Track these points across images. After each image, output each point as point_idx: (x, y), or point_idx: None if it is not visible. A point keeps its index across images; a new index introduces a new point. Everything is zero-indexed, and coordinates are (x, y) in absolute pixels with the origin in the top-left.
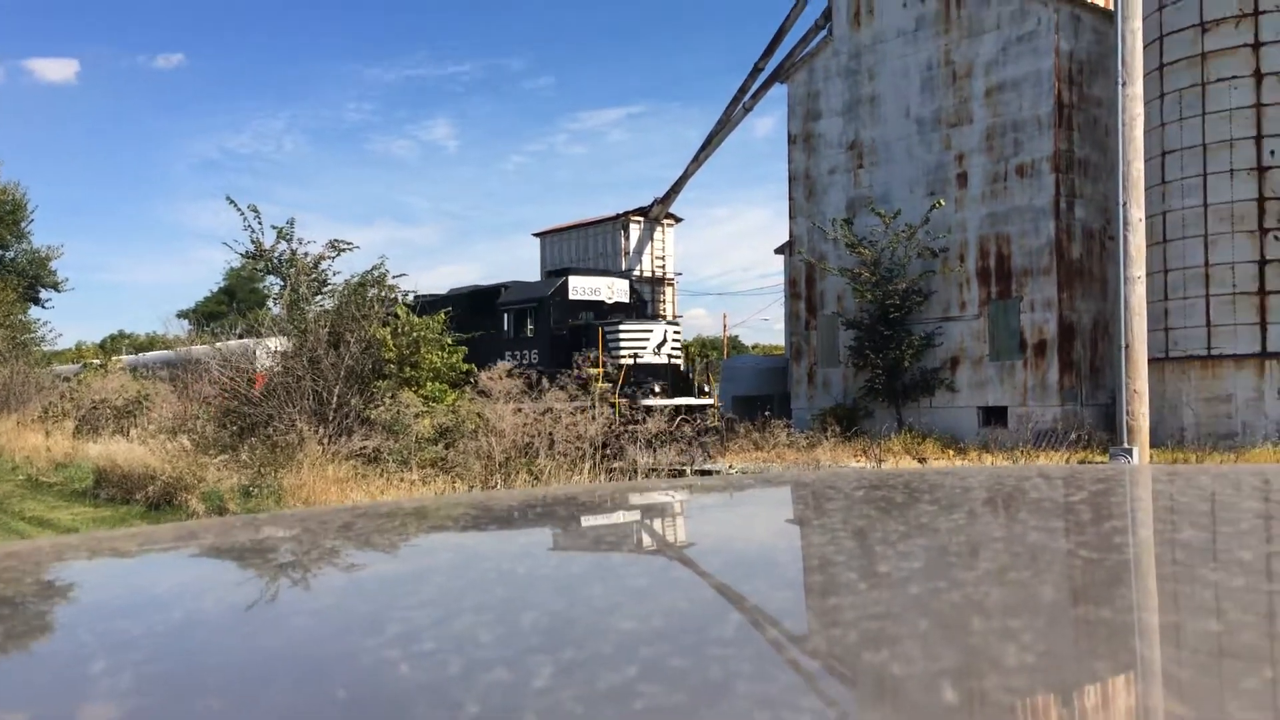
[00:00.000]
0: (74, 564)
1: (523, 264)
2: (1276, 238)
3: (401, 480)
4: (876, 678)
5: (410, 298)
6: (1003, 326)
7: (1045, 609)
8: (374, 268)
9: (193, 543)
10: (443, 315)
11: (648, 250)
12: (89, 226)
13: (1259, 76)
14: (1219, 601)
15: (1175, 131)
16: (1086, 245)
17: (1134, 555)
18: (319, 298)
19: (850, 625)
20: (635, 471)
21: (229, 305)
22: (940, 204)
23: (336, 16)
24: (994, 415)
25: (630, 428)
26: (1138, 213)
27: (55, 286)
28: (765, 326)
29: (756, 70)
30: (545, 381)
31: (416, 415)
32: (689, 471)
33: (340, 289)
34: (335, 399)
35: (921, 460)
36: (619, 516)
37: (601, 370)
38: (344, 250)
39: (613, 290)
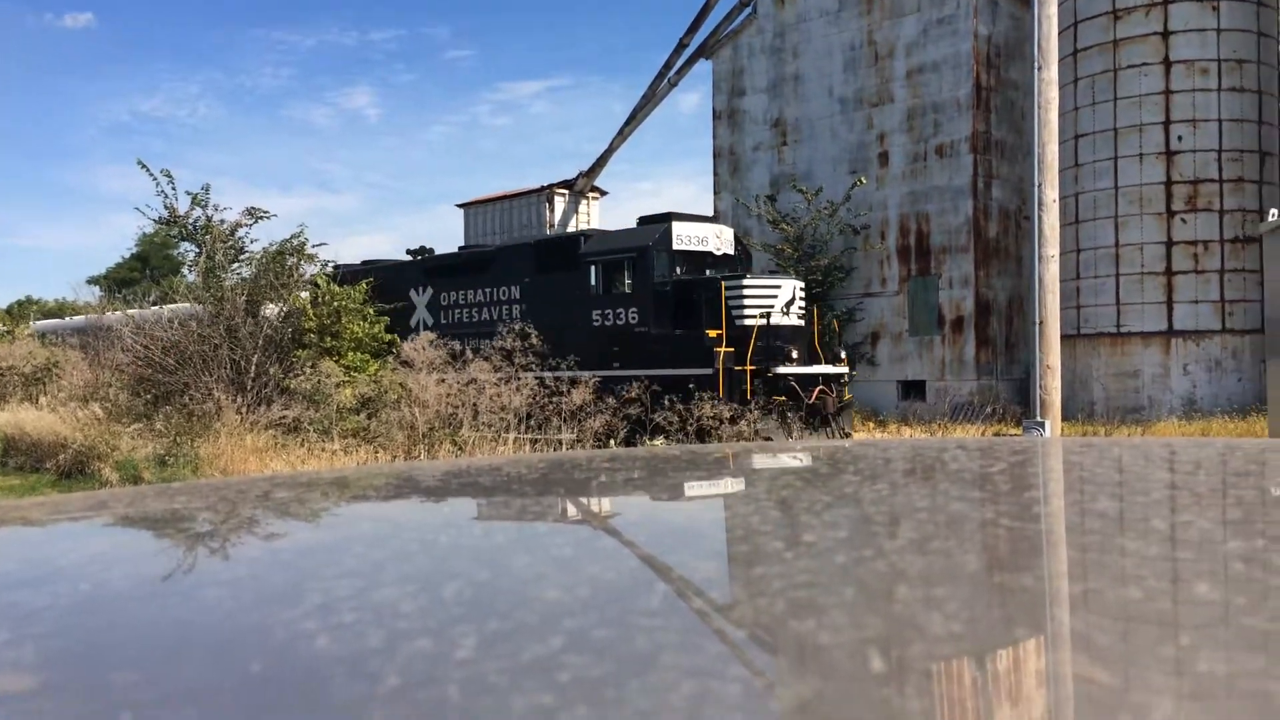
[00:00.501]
0: None
1: (446, 234)
2: (1183, 220)
3: (323, 450)
4: (804, 646)
5: (446, 250)
6: (922, 303)
7: (967, 577)
8: (293, 236)
9: (103, 512)
10: (363, 286)
11: (573, 223)
12: None
13: (1168, 64)
14: (1134, 569)
15: (1088, 116)
16: (1003, 225)
17: (1049, 525)
18: (236, 266)
19: (777, 594)
20: (560, 444)
21: (142, 272)
22: (862, 182)
23: None
24: (913, 389)
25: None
26: (1052, 194)
27: None
28: None
29: (681, 46)
30: (654, 347)
31: (338, 385)
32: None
33: (258, 257)
34: (254, 368)
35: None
36: (543, 487)
37: (723, 334)
38: (262, 218)
39: (720, 239)
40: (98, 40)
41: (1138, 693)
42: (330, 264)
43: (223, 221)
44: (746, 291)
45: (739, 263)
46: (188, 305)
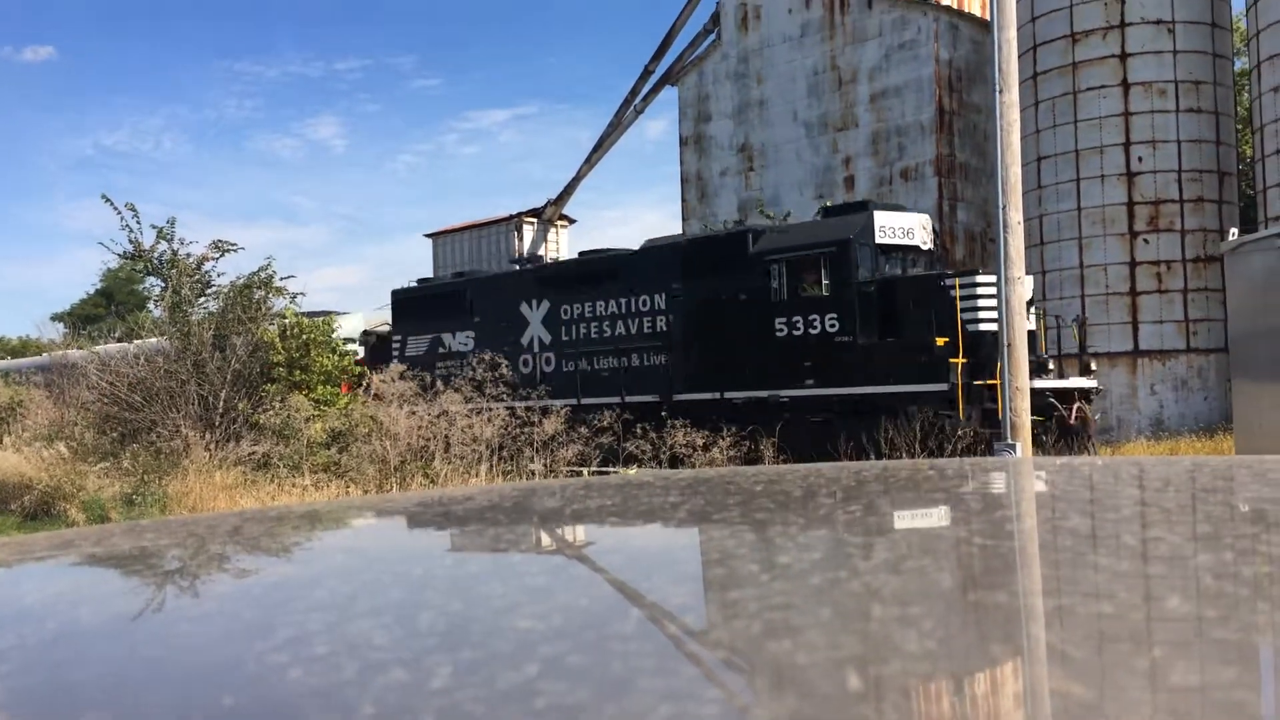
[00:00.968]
0: None
1: (414, 265)
2: (1145, 240)
3: (293, 486)
4: (780, 667)
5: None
6: None
7: (942, 595)
8: (261, 269)
9: (69, 551)
10: (341, 342)
11: (541, 251)
12: None
13: (1126, 86)
14: (1107, 584)
15: (1050, 138)
16: (969, 247)
17: (1023, 542)
18: (202, 300)
19: (753, 617)
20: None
21: (107, 308)
22: (828, 206)
23: (216, 11)
24: None
25: None
26: (1016, 216)
27: None
28: None
29: (647, 73)
30: (861, 359)
31: (307, 419)
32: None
33: (225, 290)
34: (222, 403)
35: None
36: (516, 517)
37: (959, 342)
38: (228, 251)
39: (925, 230)
40: (59, 74)
41: (1113, 705)
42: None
43: (189, 255)
44: (981, 290)
45: (937, 258)
46: (154, 340)
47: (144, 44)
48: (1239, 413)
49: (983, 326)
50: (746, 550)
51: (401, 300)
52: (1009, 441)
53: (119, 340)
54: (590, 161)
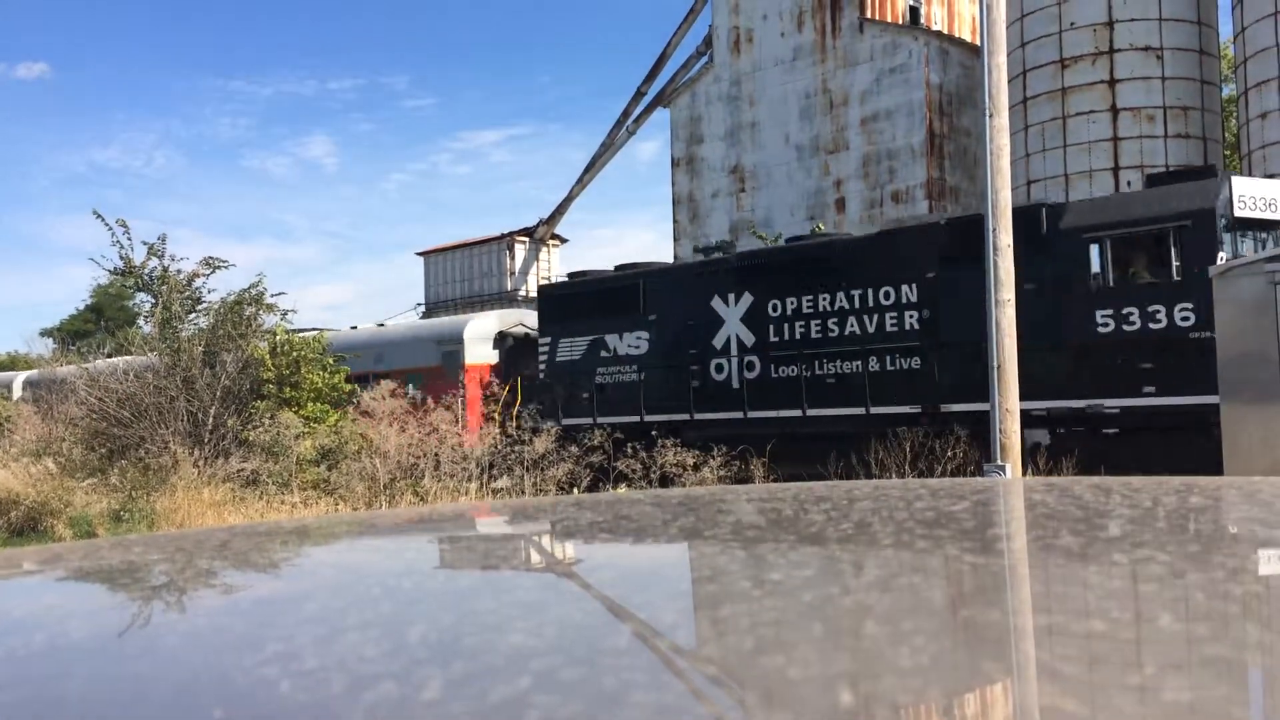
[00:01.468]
0: None
1: (405, 283)
2: None
3: (282, 503)
4: (772, 682)
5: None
6: None
7: (933, 613)
8: (251, 286)
9: (58, 565)
10: (327, 357)
11: (533, 271)
12: None
13: (1115, 111)
14: (1098, 602)
15: (1039, 162)
16: None
17: (1013, 560)
18: (193, 316)
19: (745, 633)
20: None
21: (97, 323)
22: (820, 228)
23: (210, 30)
24: None
25: None
26: (1006, 239)
27: None
28: None
29: (639, 94)
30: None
31: (297, 436)
32: None
33: (216, 307)
34: (211, 420)
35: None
36: (507, 532)
37: None
38: (219, 268)
39: None
40: (52, 91)
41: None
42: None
43: (179, 272)
44: None
45: None
46: (144, 358)
47: (137, 61)
48: (1228, 437)
49: None
50: (738, 567)
51: (552, 297)
52: (999, 463)
53: (109, 356)
54: (582, 182)
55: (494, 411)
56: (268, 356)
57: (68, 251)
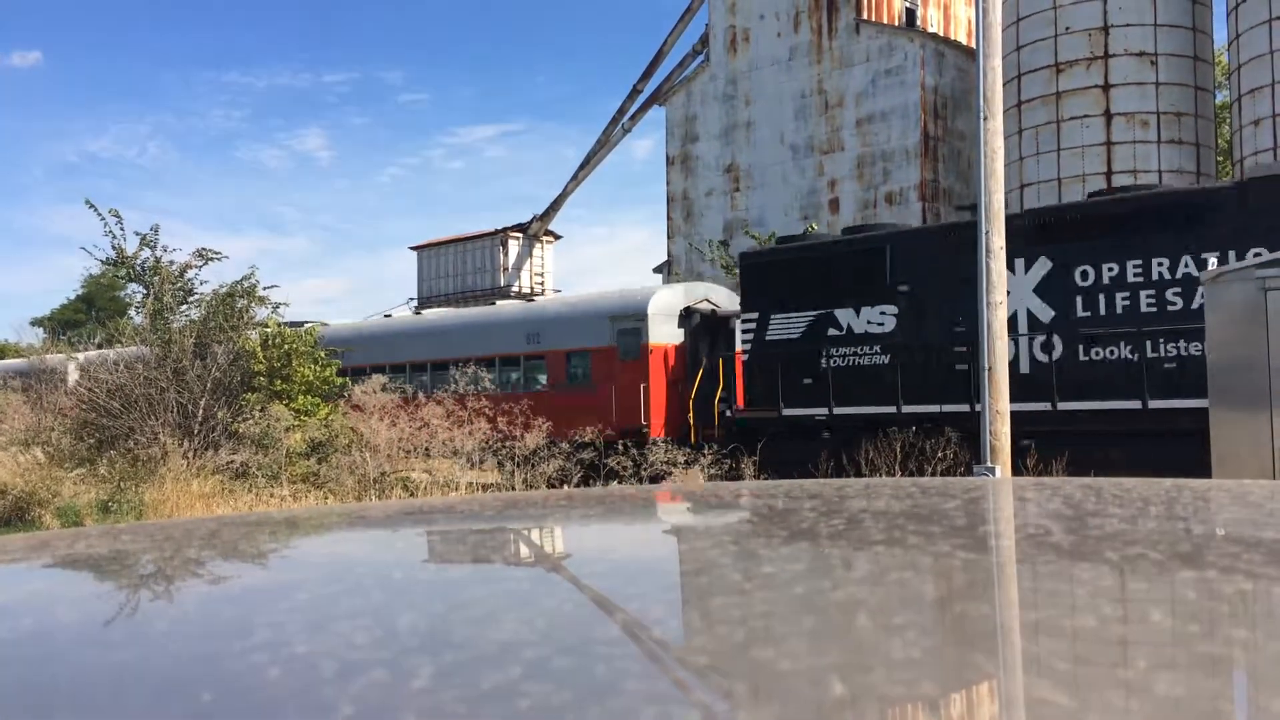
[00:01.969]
0: None
1: (398, 277)
2: None
3: (271, 495)
4: (764, 673)
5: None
6: None
7: (923, 608)
8: (244, 278)
9: (45, 552)
10: (311, 335)
11: (527, 267)
12: None
13: (1108, 116)
14: (1089, 598)
15: (1033, 165)
16: None
17: (1003, 558)
18: (184, 307)
19: (737, 624)
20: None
21: (88, 313)
22: (813, 228)
23: (205, 22)
24: None
25: None
26: (999, 241)
27: None
28: None
29: (635, 92)
30: None
31: (287, 429)
32: None
33: (208, 299)
34: (201, 411)
35: None
36: (498, 524)
37: None
38: (212, 259)
39: None
40: (46, 80)
41: (1094, 717)
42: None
43: (171, 263)
44: None
45: None
46: (134, 349)
47: (132, 52)
48: (1217, 443)
49: None
50: (730, 560)
51: (760, 265)
52: (988, 465)
53: (99, 347)
54: (577, 179)
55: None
56: (259, 349)
57: (59, 241)
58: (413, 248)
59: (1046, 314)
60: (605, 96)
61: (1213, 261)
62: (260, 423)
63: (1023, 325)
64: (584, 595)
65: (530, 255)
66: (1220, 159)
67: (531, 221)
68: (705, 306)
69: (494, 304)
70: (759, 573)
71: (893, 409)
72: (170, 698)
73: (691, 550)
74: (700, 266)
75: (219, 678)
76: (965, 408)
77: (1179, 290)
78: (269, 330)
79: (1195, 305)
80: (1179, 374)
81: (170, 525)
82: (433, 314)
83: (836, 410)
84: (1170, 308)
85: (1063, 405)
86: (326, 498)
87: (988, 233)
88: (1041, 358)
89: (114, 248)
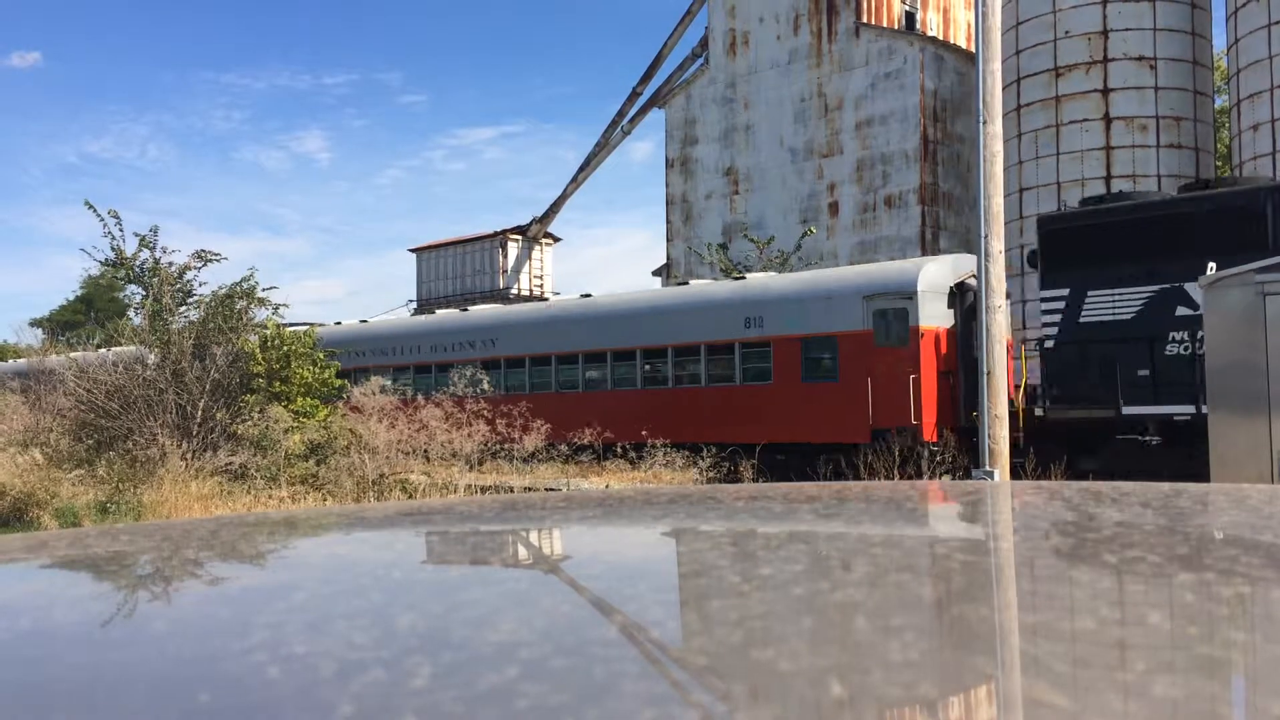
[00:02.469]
0: None
1: (397, 279)
2: None
3: (270, 497)
4: (762, 674)
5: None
6: None
7: (919, 608)
8: (243, 279)
9: (43, 553)
10: (311, 335)
11: (526, 269)
12: None
13: (1108, 120)
14: (1088, 601)
15: (1032, 169)
16: None
17: (1001, 560)
18: (183, 309)
19: (735, 625)
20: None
21: (87, 315)
22: (812, 231)
23: (205, 23)
24: None
25: None
26: (998, 245)
27: None
28: None
29: (635, 95)
30: None
31: (286, 430)
32: None
33: (207, 300)
34: (200, 413)
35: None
36: (497, 526)
37: None
38: (211, 260)
39: None
40: (45, 80)
41: (1094, 717)
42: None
43: (170, 264)
44: None
45: None
46: (133, 348)
47: (131, 53)
48: (1215, 446)
49: None
50: (728, 562)
51: (1070, 232)
52: (987, 468)
53: (98, 348)
54: (576, 181)
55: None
56: (258, 351)
57: (58, 242)
58: (412, 250)
59: None
60: (605, 98)
61: None
62: (259, 424)
63: None
64: (582, 596)
65: (529, 258)
66: (1219, 164)
67: (531, 224)
68: (974, 282)
69: (686, 284)
70: (757, 574)
71: None
72: (168, 698)
73: (690, 551)
74: (699, 269)
75: (217, 678)
76: None
77: None
78: (268, 332)
79: None
80: None
81: (168, 526)
82: (568, 302)
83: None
84: None
85: None
86: (325, 499)
87: (986, 236)
88: None
89: (113, 249)
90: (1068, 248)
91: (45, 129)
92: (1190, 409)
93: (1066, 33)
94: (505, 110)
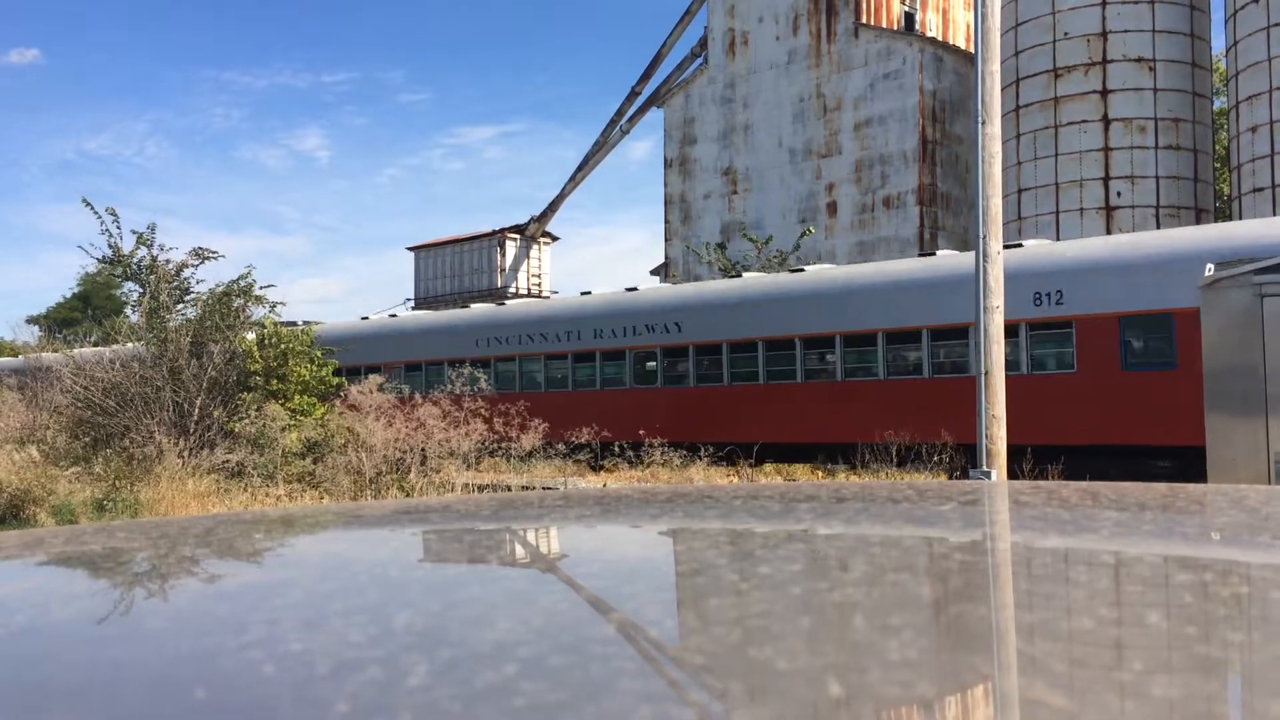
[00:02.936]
0: None
1: (395, 278)
2: None
3: (267, 495)
4: (760, 673)
5: None
6: None
7: (916, 608)
8: (240, 277)
9: (39, 550)
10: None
11: (524, 268)
12: None
13: (1106, 122)
14: (1085, 600)
15: (1030, 170)
16: None
17: (998, 560)
18: (181, 306)
19: (733, 624)
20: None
21: (84, 312)
22: (810, 232)
23: (205, 21)
24: None
25: None
26: (996, 246)
27: None
28: None
29: (634, 94)
30: None
31: (283, 428)
32: None
33: (204, 298)
34: (197, 410)
35: (792, 478)
36: (495, 525)
37: None
38: (209, 258)
39: None
40: (44, 77)
41: (1091, 717)
42: None
43: (168, 261)
44: None
45: None
46: (131, 346)
47: (131, 50)
48: (1213, 446)
49: None
50: (726, 561)
51: None
52: (984, 469)
53: (95, 345)
54: (575, 180)
55: None
56: (255, 348)
57: (56, 238)
58: (410, 248)
59: None
60: (604, 98)
61: None
62: (256, 422)
63: None
64: (580, 595)
65: (527, 256)
66: (1217, 165)
67: (529, 223)
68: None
69: (934, 254)
70: (755, 573)
71: None
72: (165, 695)
73: (688, 550)
74: (698, 269)
75: (214, 675)
76: None
77: None
78: (265, 329)
79: None
80: None
81: (165, 523)
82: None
83: None
84: None
85: None
86: (322, 497)
87: (985, 237)
88: None
89: (110, 246)
90: None
91: (44, 126)
92: None
93: (1066, 34)
94: (505, 109)
